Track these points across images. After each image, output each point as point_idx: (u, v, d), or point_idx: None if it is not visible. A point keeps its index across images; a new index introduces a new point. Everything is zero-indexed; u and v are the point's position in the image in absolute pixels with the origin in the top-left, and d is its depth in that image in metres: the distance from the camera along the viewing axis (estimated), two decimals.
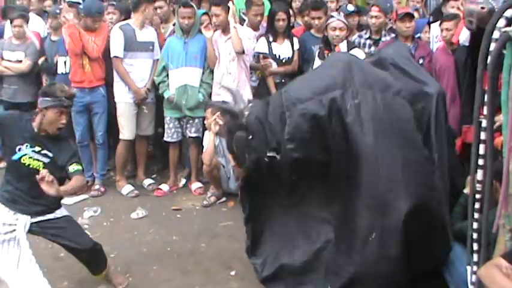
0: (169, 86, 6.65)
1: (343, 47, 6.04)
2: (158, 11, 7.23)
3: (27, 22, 7.78)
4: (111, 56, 6.63)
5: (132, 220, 6.09)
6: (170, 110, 6.76)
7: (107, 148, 6.94)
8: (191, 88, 6.59)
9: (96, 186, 6.85)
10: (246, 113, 4.28)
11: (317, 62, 6.15)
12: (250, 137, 4.12)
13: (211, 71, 6.65)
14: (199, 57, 6.61)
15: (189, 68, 6.60)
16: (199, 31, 6.74)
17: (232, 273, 4.86)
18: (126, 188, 6.77)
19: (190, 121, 6.71)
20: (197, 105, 6.62)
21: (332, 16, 6.08)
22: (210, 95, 6.65)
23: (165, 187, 6.88)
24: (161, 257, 5.23)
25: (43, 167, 4.11)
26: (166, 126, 6.82)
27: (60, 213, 4.44)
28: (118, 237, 5.67)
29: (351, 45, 6.18)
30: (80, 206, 6.38)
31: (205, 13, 6.96)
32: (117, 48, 6.60)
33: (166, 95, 6.65)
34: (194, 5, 6.77)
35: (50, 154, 4.21)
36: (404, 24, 6.07)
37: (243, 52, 6.33)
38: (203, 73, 6.67)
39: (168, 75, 6.67)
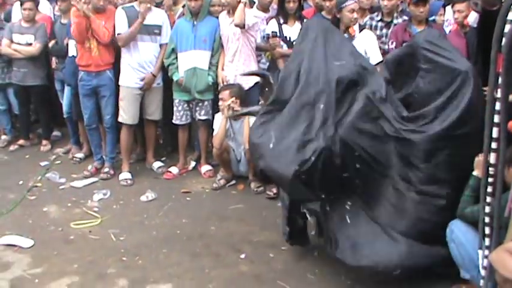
0: (178, 68, 6.62)
1: (355, 28, 5.96)
2: None
3: (37, 5, 7.77)
4: (116, 33, 6.56)
5: (142, 203, 6.09)
6: (179, 92, 6.73)
7: (115, 131, 6.90)
8: (200, 71, 6.55)
9: (106, 169, 6.85)
10: None
11: None
12: None
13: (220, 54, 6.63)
14: (208, 40, 6.56)
15: (197, 51, 6.55)
16: (209, 13, 6.70)
17: (242, 256, 4.86)
18: (123, 175, 6.72)
19: (200, 104, 6.68)
20: (206, 88, 6.60)
21: None
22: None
23: (174, 170, 6.87)
24: (170, 240, 5.22)
25: None
26: (175, 108, 6.79)
27: None
28: (127, 220, 5.67)
29: (361, 27, 6.10)
30: (89, 189, 6.42)
31: None
32: (121, 27, 6.53)
33: (175, 78, 6.61)
34: None
35: None
36: (418, 8, 5.98)
37: (244, 27, 6.26)
38: (212, 56, 6.62)
39: (177, 57, 6.64)
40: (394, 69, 4.66)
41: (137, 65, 6.64)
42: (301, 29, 5.17)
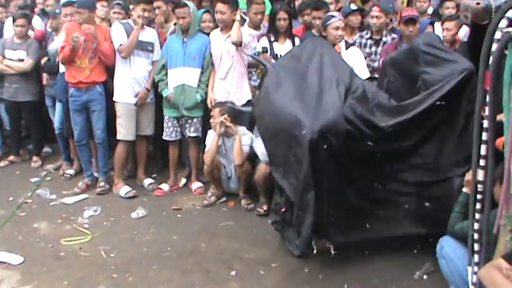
0: (167, 85, 6.65)
1: (341, 46, 6.01)
2: (157, 11, 7.19)
3: (30, 22, 7.80)
4: (116, 47, 6.59)
5: (132, 220, 6.07)
6: (168, 108, 6.75)
7: (107, 146, 6.90)
8: (189, 88, 6.57)
9: (101, 183, 6.85)
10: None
11: None
12: None
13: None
14: (198, 58, 6.58)
15: (187, 68, 6.58)
16: (200, 30, 6.74)
17: (233, 273, 4.85)
18: (124, 189, 6.72)
19: (189, 121, 6.69)
20: (195, 105, 6.63)
21: (333, 16, 6.01)
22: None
23: (165, 186, 6.87)
24: (161, 256, 5.21)
25: None
26: (165, 125, 6.81)
27: None
28: (118, 236, 5.66)
29: (348, 45, 6.15)
30: (80, 206, 6.39)
31: (207, 11, 6.97)
32: (120, 38, 6.57)
33: (164, 94, 6.64)
34: (190, 4, 6.70)
35: None
36: (407, 27, 6.08)
37: (241, 44, 6.31)
38: (202, 73, 6.65)
39: (167, 74, 6.67)
40: (395, 72, 4.85)
41: (133, 80, 6.68)
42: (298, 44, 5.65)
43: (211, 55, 6.62)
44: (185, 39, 6.62)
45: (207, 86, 6.65)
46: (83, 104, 6.71)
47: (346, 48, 6.06)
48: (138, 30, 6.54)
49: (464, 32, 5.72)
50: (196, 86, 6.61)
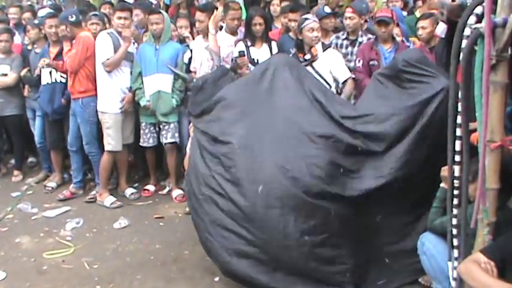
0: (144, 93, 6.66)
1: (318, 48, 5.99)
2: (135, 19, 7.19)
3: (13, 37, 7.79)
4: (101, 60, 6.53)
5: (115, 230, 6.05)
6: (145, 116, 6.79)
7: (97, 157, 6.84)
8: (164, 94, 6.61)
9: (95, 191, 6.97)
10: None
11: None
12: None
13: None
14: (171, 64, 6.60)
15: (161, 75, 6.60)
16: (171, 38, 6.81)
17: (216, 279, 4.84)
18: (109, 200, 6.71)
19: (166, 127, 6.71)
20: (171, 110, 6.66)
21: (307, 18, 5.97)
22: (182, 101, 6.68)
23: (151, 187, 7.00)
24: (145, 265, 5.20)
25: None
26: (142, 131, 6.84)
27: None
28: (101, 247, 5.63)
29: (325, 47, 6.12)
30: (62, 218, 6.36)
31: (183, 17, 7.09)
32: (107, 52, 6.51)
33: (142, 103, 6.64)
34: (163, 12, 6.81)
35: None
36: (380, 28, 6.10)
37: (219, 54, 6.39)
38: (175, 79, 6.66)
39: (143, 82, 6.69)
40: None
41: (120, 90, 6.66)
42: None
43: (188, 62, 6.69)
44: (157, 47, 6.64)
45: (181, 91, 6.68)
46: (73, 111, 6.80)
47: (324, 50, 6.05)
48: (127, 47, 6.55)
49: (441, 29, 5.75)
50: (171, 92, 6.64)
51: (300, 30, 5.94)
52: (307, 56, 5.86)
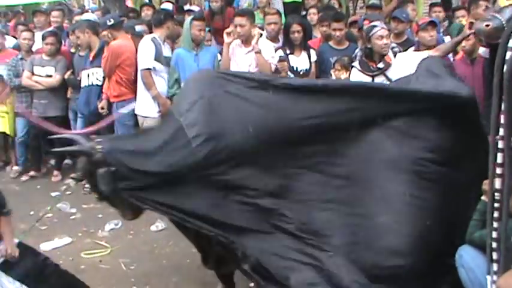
0: None
1: (390, 55, 5.64)
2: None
3: (60, 40, 8.02)
4: (142, 66, 6.60)
5: (152, 233, 6.12)
6: None
7: None
8: None
9: None
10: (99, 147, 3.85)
11: (357, 77, 5.64)
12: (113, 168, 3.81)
13: None
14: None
15: None
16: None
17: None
18: None
19: None
20: None
21: (375, 26, 5.57)
22: None
23: None
24: (181, 269, 5.25)
25: None
26: None
27: None
28: (137, 249, 5.71)
29: (394, 52, 5.75)
30: (100, 219, 6.44)
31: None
32: (148, 60, 6.57)
33: None
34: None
35: None
36: (428, 33, 6.03)
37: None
38: None
39: (180, 87, 6.68)
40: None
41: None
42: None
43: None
44: (197, 52, 6.69)
45: None
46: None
47: (395, 55, 5.68)
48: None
49: (483, 49, 5.66)
50: None
51: (368, 38, 5.58)
52: (381, 65, 5.51)
